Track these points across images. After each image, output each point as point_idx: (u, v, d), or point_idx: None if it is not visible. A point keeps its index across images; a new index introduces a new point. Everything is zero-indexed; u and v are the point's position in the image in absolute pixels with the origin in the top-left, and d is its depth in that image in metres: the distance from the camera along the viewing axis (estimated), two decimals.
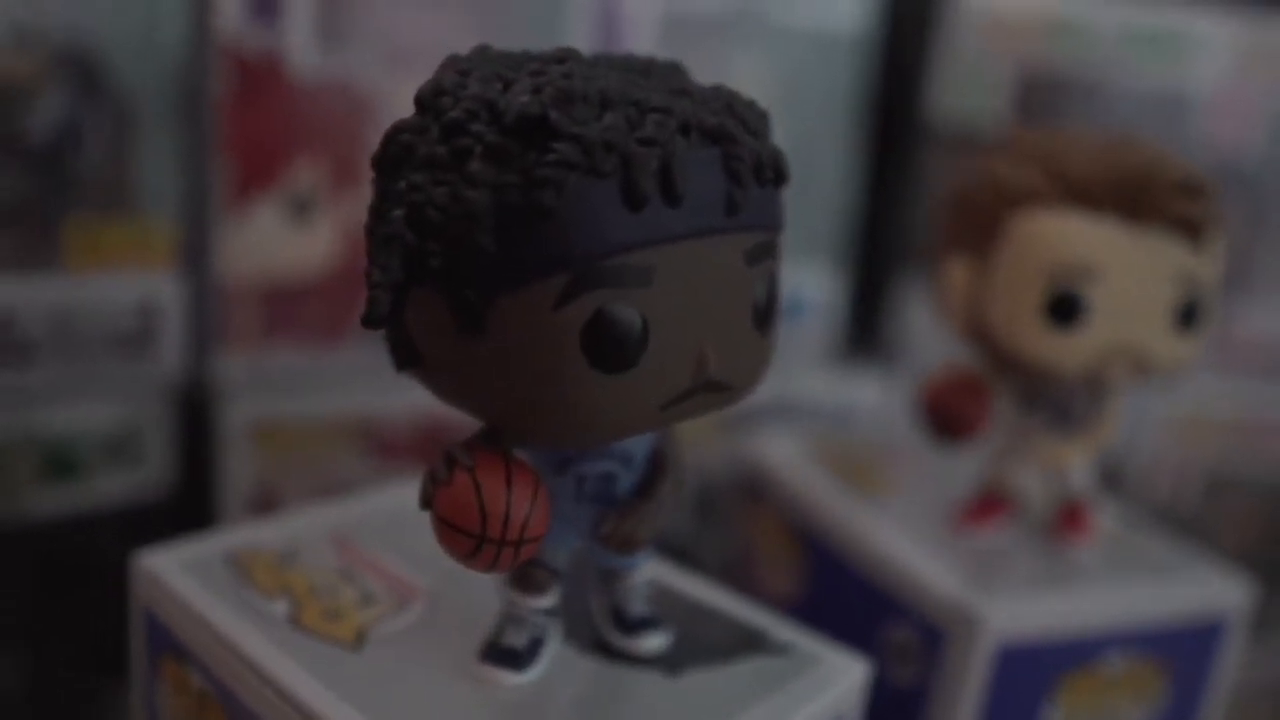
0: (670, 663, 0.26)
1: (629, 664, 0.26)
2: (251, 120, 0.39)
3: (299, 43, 0.39)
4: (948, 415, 0.34)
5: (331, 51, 0.40)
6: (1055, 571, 0.34)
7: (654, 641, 0.27)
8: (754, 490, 0.41)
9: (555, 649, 0.26)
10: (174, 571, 0.28)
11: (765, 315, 0.23)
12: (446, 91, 0.22)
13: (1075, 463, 0.36)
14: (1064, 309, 0.31)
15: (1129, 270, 0.31)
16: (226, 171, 0.39)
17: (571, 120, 0.20)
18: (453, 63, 0.23)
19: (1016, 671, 0.32)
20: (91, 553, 0.40)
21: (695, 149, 0.21)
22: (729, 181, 0.21)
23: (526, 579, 0.25)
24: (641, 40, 0.48)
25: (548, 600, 0.26)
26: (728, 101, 0.22)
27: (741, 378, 0.23)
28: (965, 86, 0.54)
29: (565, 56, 0.23)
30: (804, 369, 0.55)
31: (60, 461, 0.39)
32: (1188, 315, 0.32)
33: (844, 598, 0.36)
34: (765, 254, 0.23)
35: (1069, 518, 0.36)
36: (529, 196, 0.20)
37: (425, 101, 0.22)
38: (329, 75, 0.40)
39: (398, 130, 0.22)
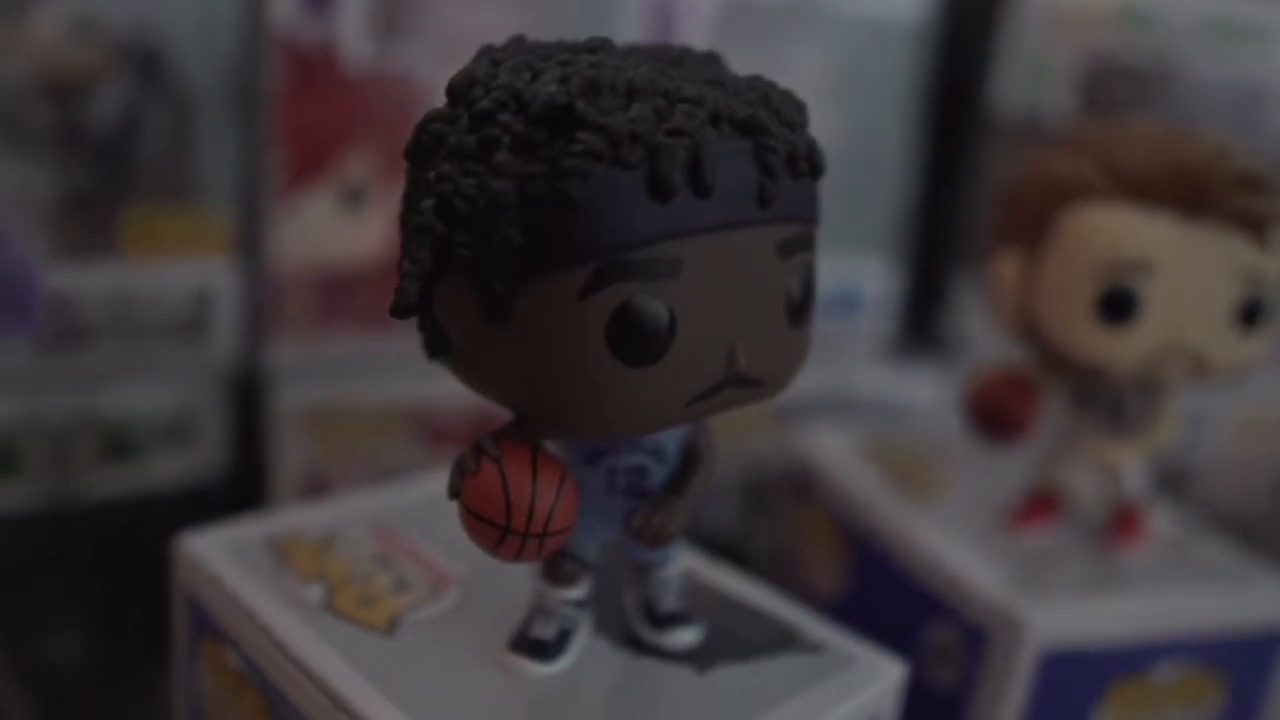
0: (700, 658, 0.26)
1: (658, 659, 0.26)
2: (304, 111, 0.40)
3: (352, 34, 0.40)
4: (995, 414, 0.34)
5: (384, 43, 0.40)
6: (1105, 575, 0.33)
7: (684, 637, 0.26)
8: (802, 486, 0.41)
9: (585, 641, 0.26)
10: (214, 554, 0.28)
11: (799, 309, 0.23)
12: (478, 81, 0.22)
13: (1128, 464, 0.35)
14: (1116, 306, 0.30)
15: (1186, 267, 0.30)
16: (279, 161, 0.40)
17: (598, 110, 0.20)
18: (486, 52, 0.23)
19: (1061, 677, 0.31)
20: (147, 533, 0.40)
21: (726, 140, 0.21)
22: (761, 173, 0.21)
23: (556, 570, 0.25)
24: (697, 31, 0.47)
25: (577, 592, 0.26)
26: (763, 93, 0.22)
27: (774, 373, 0.23)
28: (1030, 77, 0.52)
29: (597, 46, 0.22)
30: (860, 364, 0.54)
31: (118, 443, 0.40)
32: (1250, 314, 0.31)
33: (887, 597, 0.35)
34: (800, 247, 0.22)
35: (1121, 521, 0.35)
36: (554, 187, 0.20)
37: (457, 91, 0.22)
38: (382, 67, 0.40)
39: (429, 120, 0.22)
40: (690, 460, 0.25)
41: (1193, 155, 0.30)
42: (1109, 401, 0.34)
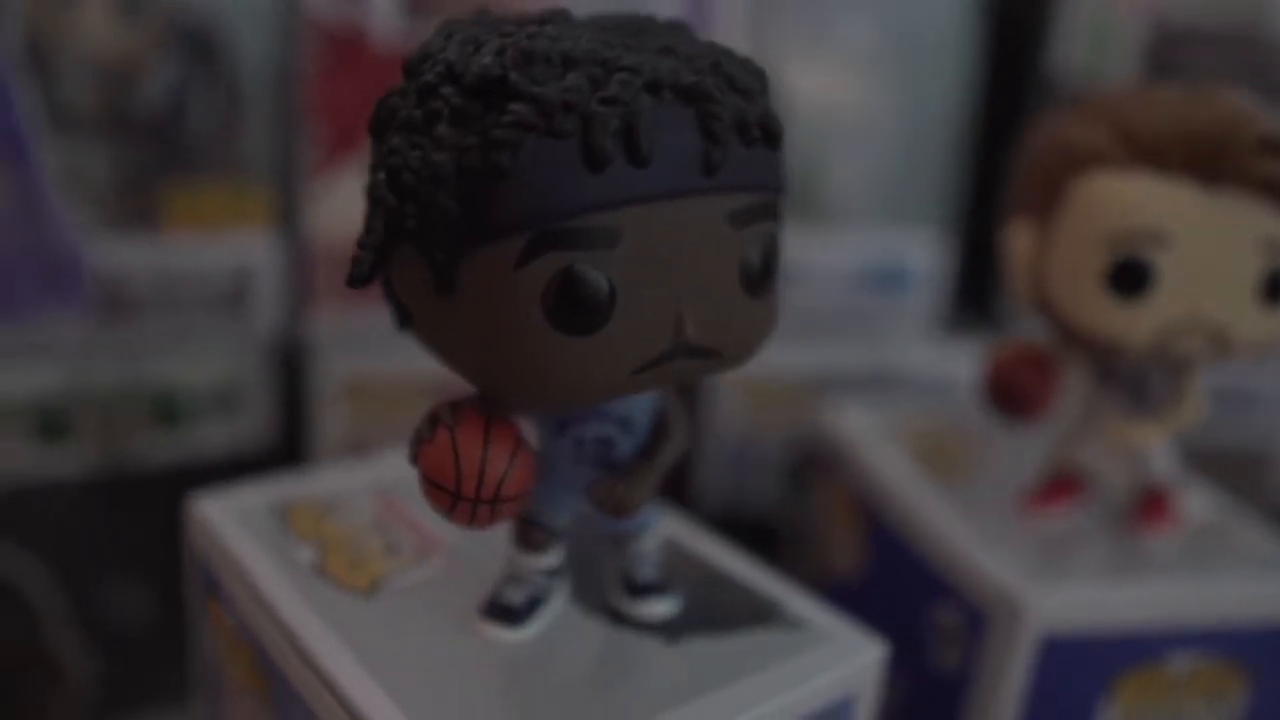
0: (673, 629, 0.26)
1: (632, 629, 0.26)
2: (338, 89, 0.41)
3: (382, 13, 0.41)
4: (1009, 391, 0.33)
5: (415, 22, 0.41)
6: (1124, 560, 0.32)
7: (658, 607, 0.27)
8: (824, 462, 0.40)
9: (558, 609, 0.26)
10: (222, 516, 0.29)
11: (758, 279, 0.22)
12: (429, 56, 0.22)
13: (1153, 445, 0.33)
14: (1127, 278, 0.29)
15: (1203, 236, 0.29)
16: (315, 138, 0.41)
17: (531, 80, 0.20)
18: (444, 27, 0.23)
19: (1066, 664, 0.30)
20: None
21: (667, 108, 0.21)
22: (705, 141, 0.21)
23: (526, 538, 0.26)
24: (737, 2, 0.47)
25: (548, 560, 0.26)
26: (715, 60, 0.22)
27: (730, 344, 0.23)
28: (1091, 42, 0.50)
29: (550, 17, 0.23)
30: (906, 340, 0.53)
31: (166, 412, 0.42)
32: (1275, 287, 0.29)
33: (899, 577, 0.35)
34: (758, 216, 0.22)
35: (1148, 504, 0.33)
36: (486, 158, 0.20)
37: (410, 66, 0.22)
38: (412, 45, 0.41)
39: (387, 95, 0.22)
40: (659, 432, 0.25)
41: (1209, 118, 0.28)
42: (1131, 379, 0.32)
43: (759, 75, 0.23)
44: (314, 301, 0.43)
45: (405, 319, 0.23)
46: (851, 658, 0.26)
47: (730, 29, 0.46)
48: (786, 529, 0.46)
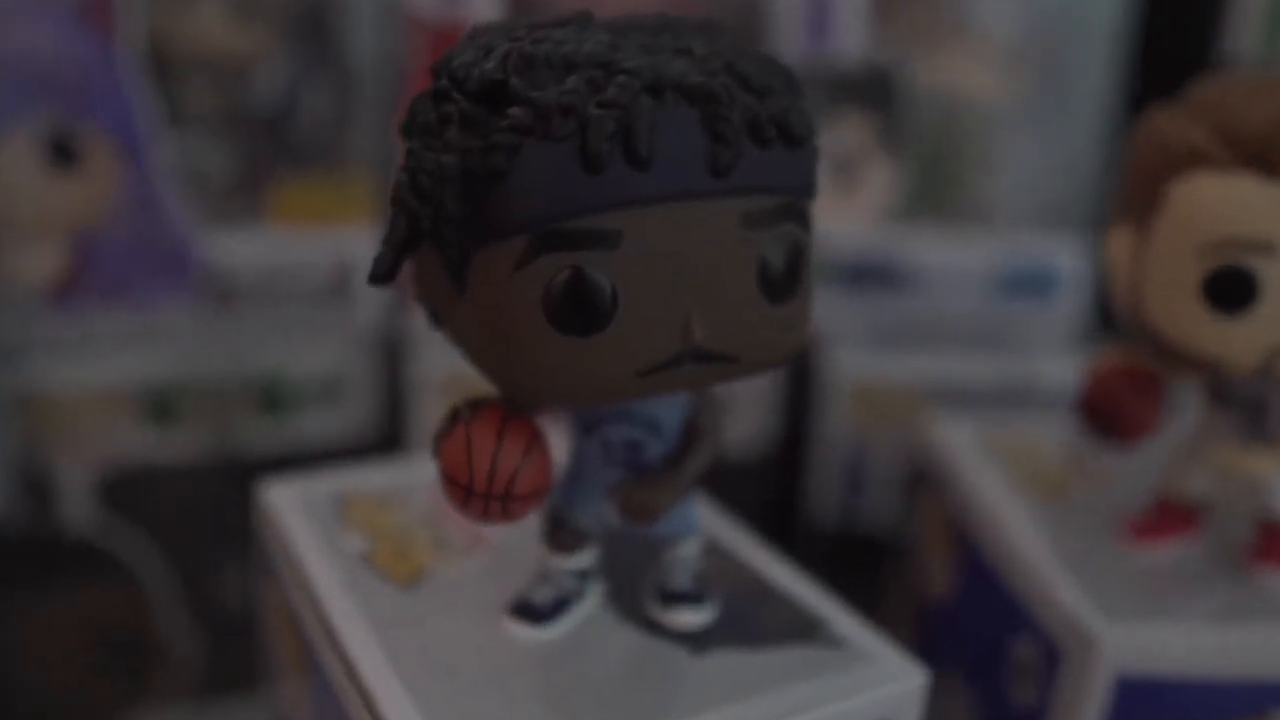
0: (702, 640, 0.25)
1: (661, 637, 0.25)
2: None
3: (483, 14, 0.41)
4: (1105, 410, 0.30)
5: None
6: (1228, 601, 0.29)
7: (690, 617, 0.26)
8: (927, 479, 0.39)
9: (588, 612, 0.26)
10: (285, 503, 0.30)
11: (780, 284, 0.22)
12: (450, 60, 0.22)
13: (1268, 475, 0.30)
14: (1226, 291, 0.26)
15: None
16: None
17: (530, 85, 0.20)
18: (471, 33, 0.23)
19: (1146, 709, 0.27)
20: None
21: (670, 109, 0.20)
22: (712, 142, 0.20)
23: (554, 539, 0.25)
24: None
25: (577, 561, 0.26)
26: (730, 60, 0.21)
27: (747, 349, 0.22)
28: (1269, 24, 0.46)
29: (572, 19, 0.22)
30: (1051, 349, 0.50)
31: (272, 401, 0.43)
32: None
33: (985, 604, 0.33)
34: (778, 218, 0.21)
35: (1267, 542, 0.30)
36: (486, 161, 0.20)
37: (436, 71, 0.22)
38: None
39: (414, 99, 0.23)
40: (690, 437, 0.24)
41: None
42: (1247, 402, 0.29)
43: (781, 74, 0.22)
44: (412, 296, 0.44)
45: (436, 319, 0.23)
46: (889, 683, 0.25)
47: (851, 19, 0.45)
48: (894, 546, 0.44)
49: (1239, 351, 0.27)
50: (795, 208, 0.22)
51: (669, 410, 0.24)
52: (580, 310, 0.20)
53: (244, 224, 0.42)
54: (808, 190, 0.22)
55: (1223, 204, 0.26)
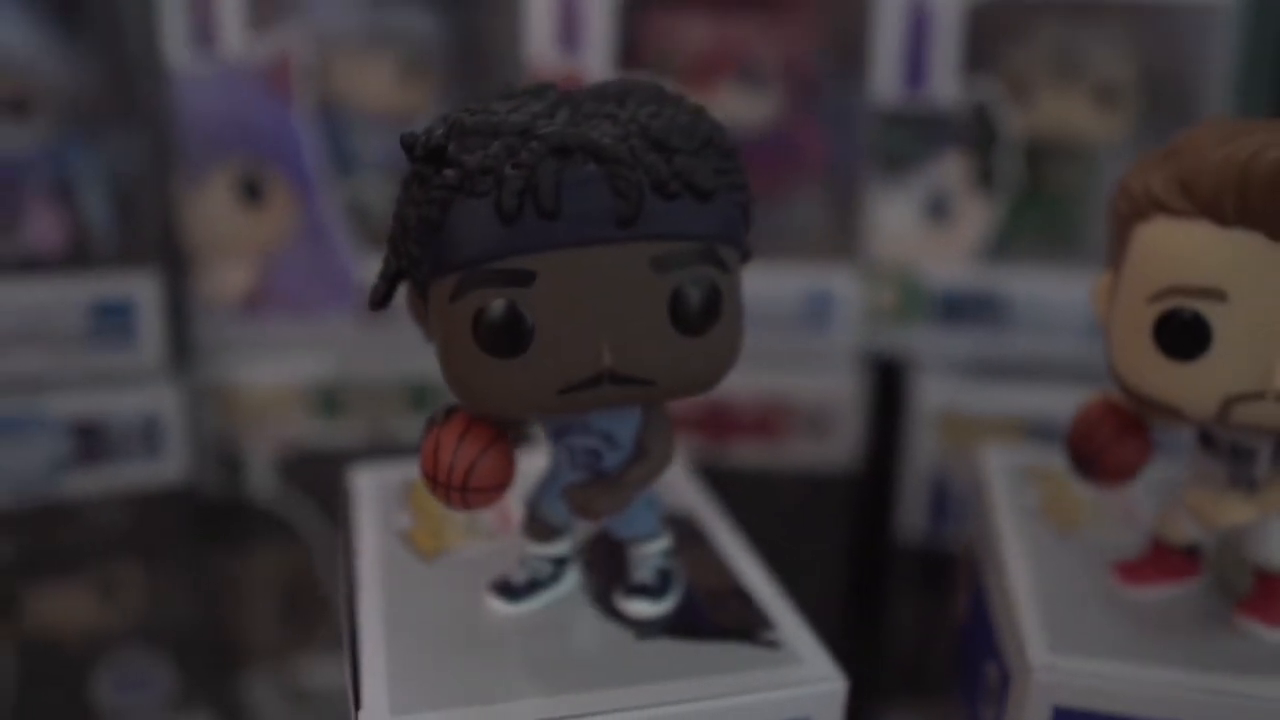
0: (652, 628, 0.29)
1: (616, 623, 0.29)
2: None
3: (598, 65, 0.46)
4: (1088, 450, 0.31)
5: (626, 71, 0.46)
6: (1192, 649, 0.29)
7: (643, 608, 0.29)
8: (970, 505, 0.40)
9: (561, 595, 0.30)
10: (363, 485, 0.37)
11: (695, 318, 0.25)
12: (422, 129, 0.27)
13: (1268, 529, 0.30)
14: (1178, 337, 0.27)
15: (1269, 294, 0.26)
16: None
17: (462, 149, 0.25)
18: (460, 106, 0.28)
19: None
20: None
21: (577, 169, 0.24)
22: (616, 196, 0.24)
23: (531, 528, 0.30)
24: (947, 30, 0.46)
25: (551, 550, 0.30)
26: (645, 124, 0.25)
27: (663, 374, 0.25)
28: None
29: (523, 92, 0.27)
30: None
31: (419, 399, 0.51)
32: None
33: (978, 629, 0.34)
34: (688, 261, 0.25)
35: (1260, 594, 0.30)
36: (425, 213, 0.25)
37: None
38: None
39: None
40: (638, 453, 0.28)
41: (1254, 158, 0.25)
42: (1237, 446, 0.29)
43: (698, 136, 0.25)
44: None
45: (426, 336, 0.28)
46: (810, 684, 0.27)
47: (943, 58, 0.46)
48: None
49: (1195, 399, 0.27)
50: (712, 251, 0.25)
51: (621, 425, 0.28)
52: (500, 337, 0.24)
53: None
54: (726, 237, 0.25)
55: (1175, 250, 0.27)
